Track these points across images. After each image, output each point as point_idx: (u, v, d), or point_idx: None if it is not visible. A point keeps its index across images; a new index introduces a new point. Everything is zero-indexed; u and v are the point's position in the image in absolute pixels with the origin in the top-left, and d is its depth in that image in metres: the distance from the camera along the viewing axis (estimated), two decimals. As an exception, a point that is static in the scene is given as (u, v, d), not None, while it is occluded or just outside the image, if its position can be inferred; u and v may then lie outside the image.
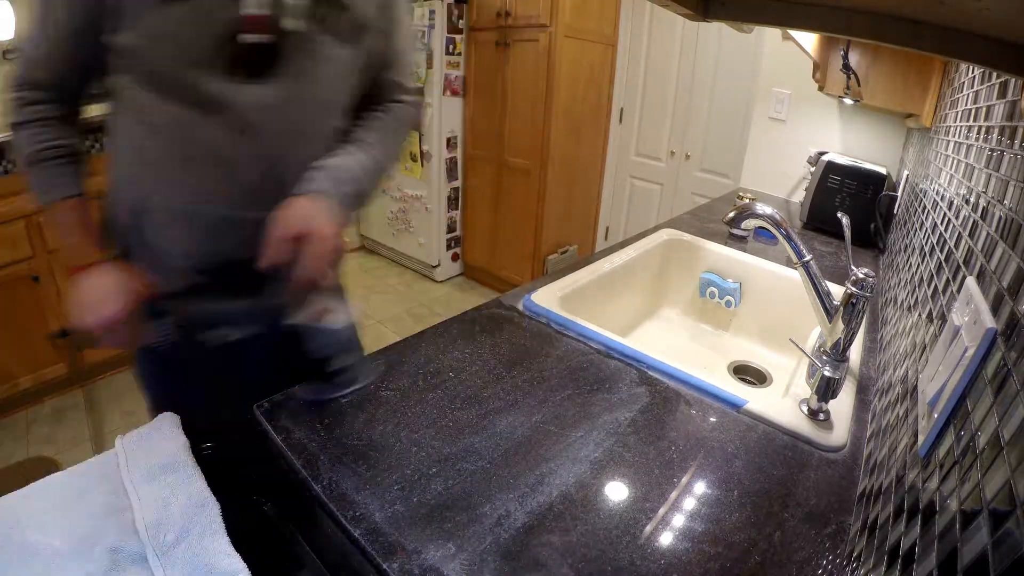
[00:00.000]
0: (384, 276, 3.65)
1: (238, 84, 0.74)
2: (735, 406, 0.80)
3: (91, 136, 0.85)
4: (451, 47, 3.06)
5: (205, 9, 0.70)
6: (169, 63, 0.72)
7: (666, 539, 0.58)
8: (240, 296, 0.77)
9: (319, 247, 0.72)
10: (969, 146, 0.78)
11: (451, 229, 3.46)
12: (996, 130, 0.65)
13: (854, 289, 0.75)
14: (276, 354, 0.79)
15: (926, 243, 0.89)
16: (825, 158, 1.66)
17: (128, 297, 0.75)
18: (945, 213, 0.80)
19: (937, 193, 0.94)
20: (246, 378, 0.83)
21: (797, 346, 0.86)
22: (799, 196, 1.98)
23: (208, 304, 0.79)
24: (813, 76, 1.64)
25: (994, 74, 0.72)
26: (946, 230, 0.75)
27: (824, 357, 0.78)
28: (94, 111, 0.83)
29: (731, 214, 0.93)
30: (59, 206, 0.78)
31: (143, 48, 0.72)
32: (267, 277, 0.74)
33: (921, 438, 0.48)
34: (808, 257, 0.86)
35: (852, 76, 1.39)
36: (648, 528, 0.59)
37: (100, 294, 0.75)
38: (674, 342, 1.36)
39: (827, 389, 0.77)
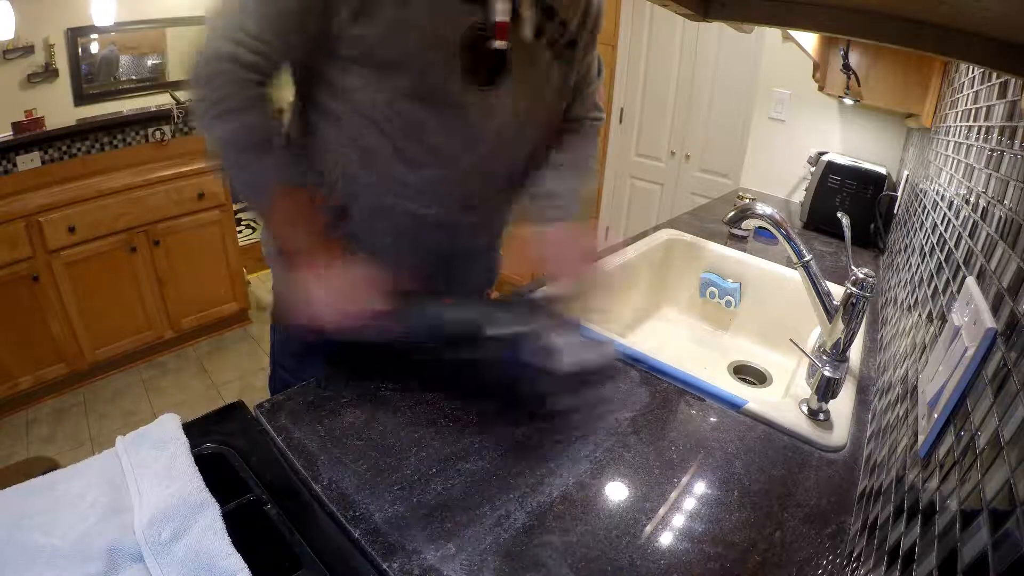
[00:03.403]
0: (384, 276, 3.64)
1: (472, 89, 0.73)
2: (735, 406, 0.80)
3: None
4: (451, 47, 3.06)
5: (451, 8, 0.69)
6: (407, 59, 0.70)
7: (666, 539, 0.58)
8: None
9: (593, 269, 0.77)
10: (969, 146, 0.78)
11: (451, 229, 3.46)
12: (996, 130, 0.64)
13: (854, 289, 0.75)
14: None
15: (926, 243, 0.89)
16: (825, 158, 1.66)
17: (369, 294, 0.69)
18: (945, 213, 0.80)
19: (937, 193, 0.94)
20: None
21: (797, 346, 0.86)
22: (799, 196, 1.97)
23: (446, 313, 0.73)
24: (813, 76, 1.64)
25: (994, 74, 0.72)
26: (946, 230, 0.75)
27: (824, 357, 0.78)
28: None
29: (731, 214, 0.92)
30: (285, 197, 0.72)
31: (382, 39, 0.68)
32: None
33: (921, 438, 0.48)
34: (808, 257, 0.86)
35: (852, 76, 1.39)
36: (648, 528, 0.59)
37: (344, 291, 0.69)
38: (674, 342, 1.36)
39: (827, 389, 0.77)
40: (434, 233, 0.81)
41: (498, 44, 0.71)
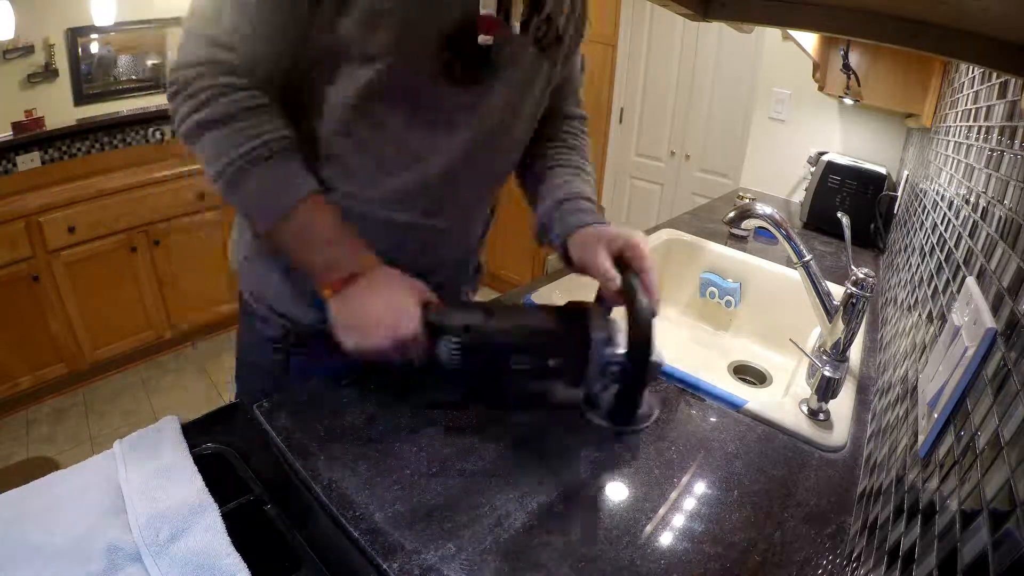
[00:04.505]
0: (384, 276, 3.64)
1: (451, 87, 0.67)
2: (735, 406, 0.80)
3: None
4: (451, 47, 3.05)
5: (436, 3, 0.62)
6: (379, 53, 0.62)
7: (666, 539, 0.58)
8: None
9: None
10: (969, 146, 0.78)
11: (451, 229, 3.45)
12: (996, 130, 0.64)
13: (854, 289, 0.75)
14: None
15: (926, 243, 0.89)
16: (825, 158, 1.66)
17: (418, 308, 0.65)
18: (945, 213, 0.80)
19: (937, 193, 0.94)
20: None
21: (797, 346, 0.86)
22: (799, 196, 1.97)
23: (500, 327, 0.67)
24: (813, 76, 1.64)
25: (994, 74, 0.72)
26: (946, 230, 0.75)
27: (824, 357, 0.78)
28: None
29: (731, 214, 0.93)
30: (302, 208, 0.64)
31: (355, 32, 0.61)
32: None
33: (921, 438, 0.48)
34: (808, 257, 0.86)
35: (852, 76, 1.39)
36: (648, 528, 0.59)
37: (394, 307, 0.64)
38: (674, 342, 1.36)
39: (827, 389, 0.77)
40: (408, 241, 0.74)
41: (483, 39, 0.64)
